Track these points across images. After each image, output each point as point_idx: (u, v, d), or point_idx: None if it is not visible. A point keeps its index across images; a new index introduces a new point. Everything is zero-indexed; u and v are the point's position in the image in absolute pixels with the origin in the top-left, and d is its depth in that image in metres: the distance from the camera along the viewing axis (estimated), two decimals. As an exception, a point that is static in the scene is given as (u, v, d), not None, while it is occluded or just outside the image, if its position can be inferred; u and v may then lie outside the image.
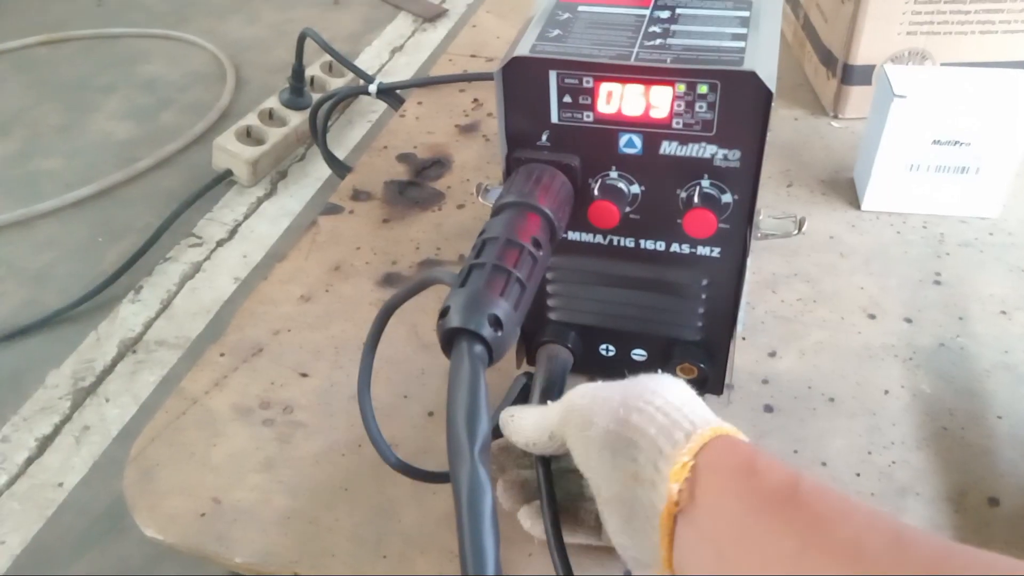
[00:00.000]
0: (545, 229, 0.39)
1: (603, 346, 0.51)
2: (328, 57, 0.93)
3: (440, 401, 0.52)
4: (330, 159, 0.86)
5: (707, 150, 0.40)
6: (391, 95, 0.84)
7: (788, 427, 0.50)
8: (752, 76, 0.37)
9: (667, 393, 0.36)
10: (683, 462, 0.32)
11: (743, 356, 0.54)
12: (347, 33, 1.22)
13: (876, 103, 0.63)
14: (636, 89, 0.39)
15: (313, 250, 0.65)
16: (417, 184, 0.71)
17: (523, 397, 0.50)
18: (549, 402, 0.40)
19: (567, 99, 0.40)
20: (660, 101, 0.39)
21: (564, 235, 0.46)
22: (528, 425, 0.40)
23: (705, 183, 0.41)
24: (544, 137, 0.42)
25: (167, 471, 0.50)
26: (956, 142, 0.60)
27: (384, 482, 0.49)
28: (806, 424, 0.50)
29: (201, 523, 0.47)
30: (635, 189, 0.42)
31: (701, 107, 0.39)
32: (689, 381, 0.46)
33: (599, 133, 0.41)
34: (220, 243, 0.85)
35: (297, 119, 0.92)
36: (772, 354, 0.55)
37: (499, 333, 0.34)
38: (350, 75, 0.94)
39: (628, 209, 0.43)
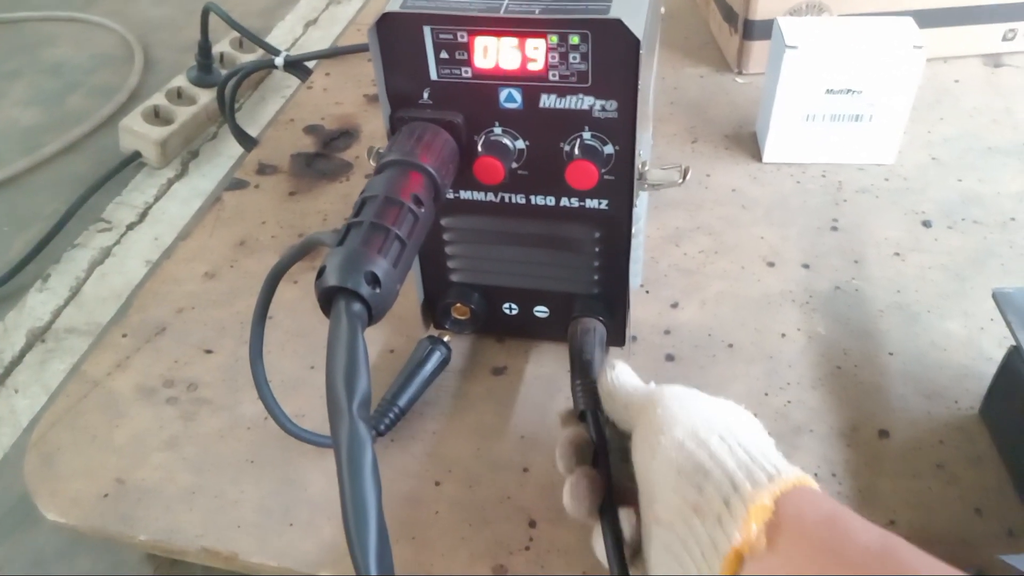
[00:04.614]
0: (427, 187, 0.39)
1: (506, 305, 0.51)
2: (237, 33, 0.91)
3: (347, 369, 0.52)
4: (240, 135, 0.85)
5: (585, 101, 0.40)
6: (299, 67, 0.83)
7: (688, 374, 0.51)
8: (618, 24, 0.37)
9: (754, 431, 0.34)
10: (765, 504, 0.30)
11: (646, 309, 0.55)
12: (260, 8, 1.19)
13: (772, 56, 0.64)
14: (510, 42, 0.39)
15: (217, 227, 0.64)
16: (324, 155, 0.70)
17: (429, 362, 0.50)
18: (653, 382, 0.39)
19: (444, 55, 0.40)
20: (535, 54, 0.39)
21: (456, 194, 0.46)
22: (622, 384, 0.39)
23: (586, 135, 0.41)
24: (426, 95, 0.42)
25: (69, 455, 0.49)
26: (848, 90, 0.62)
27: (291, 453, 0.48)
28: (706, 371, 0.51)
29: (104, 504, 0.47)
30: (520, 144, 0.43)
31: (575, 58, 0.39)
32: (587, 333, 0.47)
33: (479, 89, 0.41)
34: (130, 227, 0.83)
35: (206, 97, 0.90)
36: (674, 305, 0.56)
37: (377, 290, 0.34)
38: (261, 50, 0.92)
39: (515, 165, 0.43)
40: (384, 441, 0.48)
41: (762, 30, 0.73)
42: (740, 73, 0.76)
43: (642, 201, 0.52)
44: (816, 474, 0.46)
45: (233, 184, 0.67)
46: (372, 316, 0.35)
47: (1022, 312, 0.45)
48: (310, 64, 0.84)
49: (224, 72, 0.88)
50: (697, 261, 0.59)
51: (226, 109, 0.83)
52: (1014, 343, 0.44)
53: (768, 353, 0.52)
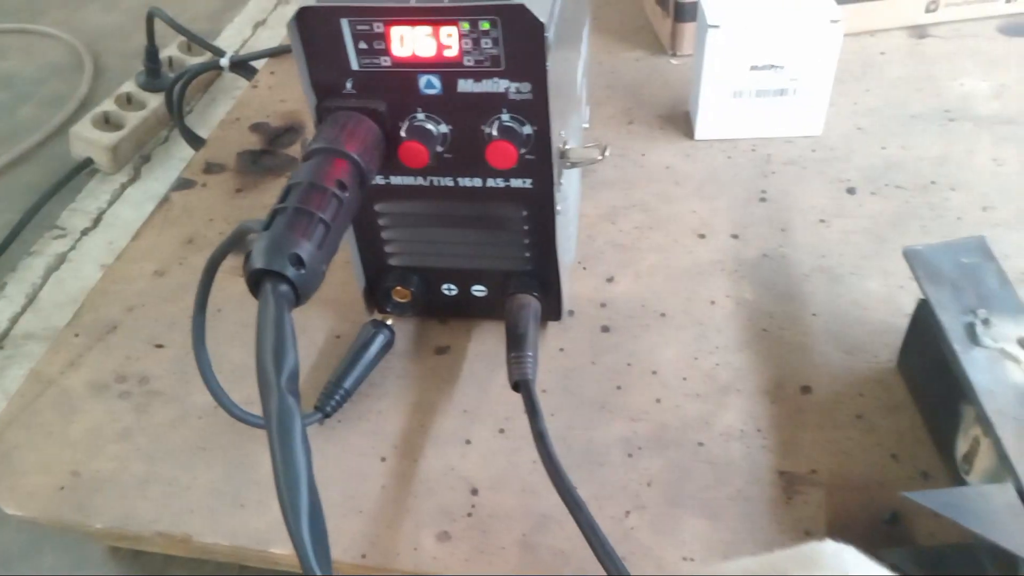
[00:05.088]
0: (352, 172, 0.40)
1: (445, 286, 0.53)
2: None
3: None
4: (189, 137, 0.86)
5: (500, 85, 0.42)
6: (245, 67, 0.84)
7: (623, 343, 0.53)
8: (522, 9, 0.39)
9: None
10: None
11: (583, 284, 0.57)
12: (209, 11, 1.19)
13: (698, 36, 0.66)
14: (425, 30, 0.41)
15: (166, 226, 0.65)
16: (270, 152, 0.71)
17: (373, 344, 0.52)
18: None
19: (363, 46, 0.42)
20: (449, 40, 0.41)
21: (386, 180, 0.47)
22: None
23: (505, 116, 0.43)
24: (349, 85, 0.43)
25: (25, 452, 0.51)
26: (771, 66, 0.64)
27: (240, 438, 0.50)
28: (639, 339, 0.54)
29: (61, 496, 0.48)
30: (443, 128, 0.44)
31: (487, 43, 0.41)
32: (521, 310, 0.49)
33: (399, 76, 0.43)
34: (85, 232, 0.84)
35: (156, 101, 0.91)
36: (610, 280, 0.58)
37: (302, 271, 0.36)
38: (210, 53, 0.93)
39: (440, 149, 0.45)
40: (331, 422, 0.50)
41: (692, 11, 0.75)
42: (674, 55, 0.78)
43: (572, 180, 0.54)
44: (742, 430, 0.48)
45: (180, 184, 0.68)
46: (299, 296, 0.36)
47: (930, 268, 0.48)
48: (256, 64, 0.85)
49: (172, 76, 0.89)
50: (632, 236, 0.61)
51: (174, 112, 0.84)
52: (923, 297, 0.47)
53: (698, 319, 0.55)
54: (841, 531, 0.43)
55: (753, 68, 0.64)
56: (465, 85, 0.42)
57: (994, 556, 0.41)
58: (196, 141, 0.84)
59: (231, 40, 1.11)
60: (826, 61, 0.64)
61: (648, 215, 0.62)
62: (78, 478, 0.49)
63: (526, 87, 0.42)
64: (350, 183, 0.40)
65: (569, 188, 0.52)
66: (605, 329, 0.55)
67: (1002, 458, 0.39)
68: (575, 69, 0.56)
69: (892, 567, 0.42)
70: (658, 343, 0.53)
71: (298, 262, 0.36)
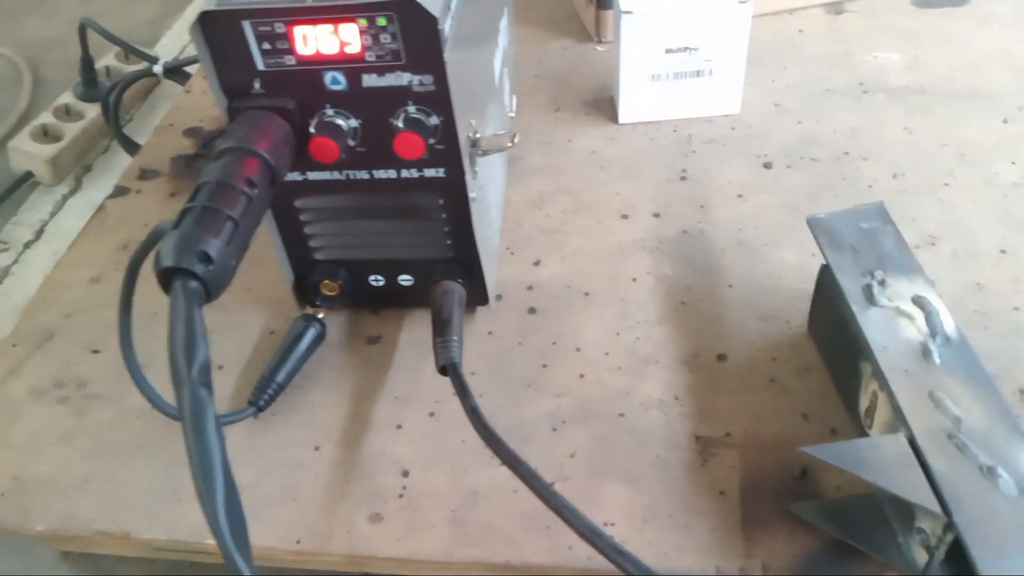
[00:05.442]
0: (261, 170, 0.42)
1: (372, 277, 0.54)
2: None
3: (230, 354, 0.55)
4: (128, 145, 0.86)
5: (403, 78, 0.44)
6: (179, 73, 0.84)
7: (548, 323, 0.55)
8: (413, 4, 0.40)
9: None
10: None
11: (511, 268, 0.59)
12: (149, 19, 1.19)
13: (616, 22, 0.68)
14: (326, 28, 0.42)
15: (101, 233, 0.66)
16: (204, 155, 0.72)
17: (304, 338, 0.53)
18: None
19: (266, 46, 0.43)
20: (350, 37, 0.42)
21: (303, 176, 0.49)
22: None
23: (411, 109, 0.45)
24: (257, 85, 0.45)
25: (-35, 462, 0.51)
26: (685, 48, 0.66)
27: (177, 435, 0.50)
28: (564, 319, 0.55)
29: (2, 501, 0.49)
30: (352, 123, 0.46)
31: (386, 39, 0.42)
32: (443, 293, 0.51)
33: (305, 74, 0.44)
34: (28, 245, 0.84)
35: (94, 111, 0.91)
36: (537, 263, 0.59)
37: (211, 268, 0.37)
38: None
39: (352, 143, 0.46)
40: (266, 415, 0.51)
41: (614, -1, 0.77)
42: (599, 42, 0.80)
43: (490, 168, 0.56)
44: (661, 399, 0.50)
45: (115, 192, 0.69)
46: (209, 292, 0.38)
47: (831, 234, 0.50)
48: (191, 68, 0.85)
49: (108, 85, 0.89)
50: (558, 221, 0.63)
51: (111, 121, 0.85)
52: (825, 262, 0.49)
53: (620, 297, 0.56)
54: (753, 489, 0.46)
55: (668, 51, 0.66)
56: (369, 80, 0.44)
57: (894, 503, 0.43)
58: (134, 149, 0.84)
59: (170, 46, 1.11)
60: (737, 41, 0.66)
61: (574, 199, 0.64)
62: (18, 483, 0.50)
63: (428, 79, 0.44)
64: (260, 180, 0.41)
65: (487, 176, 0.54)
66: (532, 311, 0.56)
67: (895, 410, 0.42)
68: (490, 60, 0.58)
69: (802, 519, 0.44)
70: (582, 321, 0.55)
71: (206, 259, 0.37)
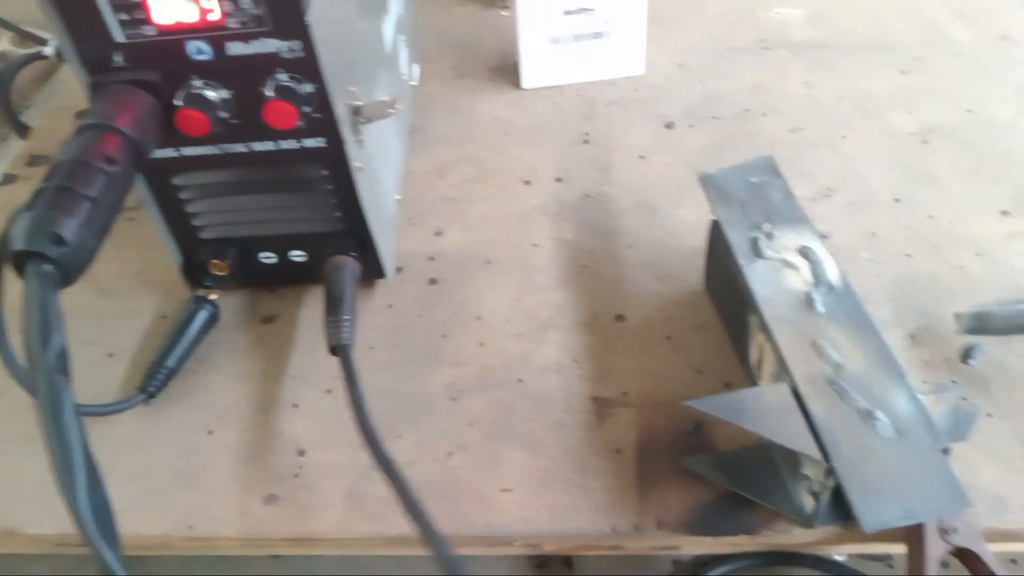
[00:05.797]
0: (123, 146, 0.40)
1: (263, 254, 0.53)
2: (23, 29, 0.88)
3: (121, 341, 0.53)
4: (23, 132, 0.83)
5: (270, 44, 0.42)
6: (72, 55, 0.81)
7: (449, 293, 0.55)
8: (269, -35, 0.39)
9: None
10: None
11: (412, 240, 0.58)
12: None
13: (514, -14, 0.67)
14: (182, -5, 0.41)
15: (-14, 223, 0.63)
16: (96, 139, 0.69)
17: (195, 321, 0.52)
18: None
19: (123, 16, 0.41)
20: (210, 3, 0.41)
21: (178, 151, 0.47)
22: None
23: (282, 76, 0.43)
24: (118, 58, 0.43)
25: None
26: (583, 9, 0.65)
27: (66, 426, 0.49)
28: (465, 288, 0.55)
29: None
30: (223, 94, 0.44)
31: (247, 4, 0.41)
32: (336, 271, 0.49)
33: (167, 45, 0.42)
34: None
35: (-13, 98, 0.87)
36: (438, 233, 0.59)
37: (64, 249, 0.35)
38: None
39: (226, 115, 0.45)
40: (158, 401, 0.50)
41: (516, -37, 0.75)
42: (504, 7, 0.79)
43: (380, 135, 0.55)
44: (560, 363, 0.50)
45: (3, 180, 0.66)
46: (67, 275, 0.36)
47: (721, 190, 0.50)
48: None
49: None
50: (461, 189, 0.62)
51: (1, 106, 0.81)
52: (715, 218, 0.49)
53: (522, 263, 0.56)
54: (649, 446, 0.46)
55: (567, 12, 0.65)
56: (235, 48, 0.42)
57: (782, 452, 0.44)
58: (28, 134, 0.81)
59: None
60: (636, 1, 0.65)
61: (477, 167, 0.63)
62: (-102, 487, 0.48)
63: (296, 45, 0.42)
64: (121, 157, 0.39)
65: (376, 145, 0.53)
66: (433, 282, 0.55)
67: (779, 360, 0.42)
68: (377, 25, 0.57)
69: (695, 473, 0.44)
70: (483, 290, 0.55)
71: (60, 241, 0.35)
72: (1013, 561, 0.57)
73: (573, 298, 0.53)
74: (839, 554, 0.56)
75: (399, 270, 0.56)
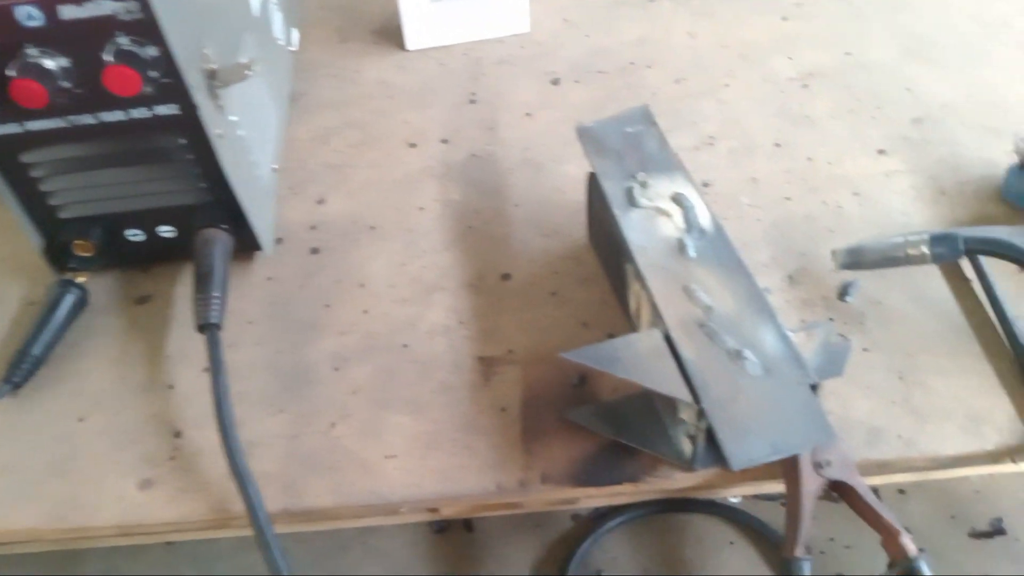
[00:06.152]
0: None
1: (129, 232, 0.50)
2: None
3: (-15, 331, 0.51)
4: None
5: (105, 6, 0.40)
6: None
7: (332, 262, 0.53)
8: (88, -82, 0.37)
9: None
10: None
11: (293, 209, 0.56)
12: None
13: (390, -56, 0.65)
14: (2, -44, 0.38)
15: None
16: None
17: (61, 305, 0.49)
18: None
19: (-60, -19, 0.38)
20: (34, -36, 0.38)
21: (22, 127, 0.44)
22: None
23: (123, 40, 0.41)
24: (-62, 27, 0.40)
25: None
26: (462, -33, 0.64)
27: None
28: (349, 255, 0.53)
29: None
30: (62, 62, 0.41)
31: (74, -38, 0.38)
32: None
33: (-8, 11, 0.39)
34: None
35: None
36: (321, 201, 0.57)
37: None
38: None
39: (68, 84, 0.42)
40: (26, 391, 0.48)
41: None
42: (388, -32, 0.77)
43: (252, 102, 0.53)
44: (446, 325, 0.49)
45: None
46: None
47: (597, 141, 0.49)
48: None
49: None
50: (345, 156, 0.60)
51: None
52: (591, 170, 0.48)
53: (407, 227, 0.55)
54: (534, 402, 0.45)
55: (446, -30, 0.64)
56: (68, 11, 0.40)
57: (663, 399, 0.44)
58: None
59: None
60: (516, -45, 0.64)
61: (362, 132, 0.62)
62: None
63: (134, 6, 0.40)
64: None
65: (243, 110, 0.51)
66: (315, 251, 0.54)
67: (653, 306, 0.42)
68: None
69: (579, 425, 0.44)
70: (367, 256, 0.53)
71: None
72: (901, 491, 0.59)
73: (459, 259, 0.52)
74: (732, 496, 0.57)
75: (279, 241, 0.54)
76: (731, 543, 0.55)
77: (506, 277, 0.51)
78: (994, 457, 0.43)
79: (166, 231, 0.50)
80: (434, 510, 0.49)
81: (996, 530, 0.56)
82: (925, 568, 0.38)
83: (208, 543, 0.55)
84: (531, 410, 0.45)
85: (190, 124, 0.45)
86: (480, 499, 0.43)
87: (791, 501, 0.41)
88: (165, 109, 0.44)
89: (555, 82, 0.64)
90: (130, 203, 0.49)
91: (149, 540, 0.50)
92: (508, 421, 0.45)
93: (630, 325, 0.47)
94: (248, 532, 0.41)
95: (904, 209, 0.54)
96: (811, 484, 0.41)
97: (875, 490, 0.57)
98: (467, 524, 0.55)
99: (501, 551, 0.54)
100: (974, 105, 0.60)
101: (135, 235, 0.50)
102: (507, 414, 0.45)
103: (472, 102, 0.63)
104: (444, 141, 0.60)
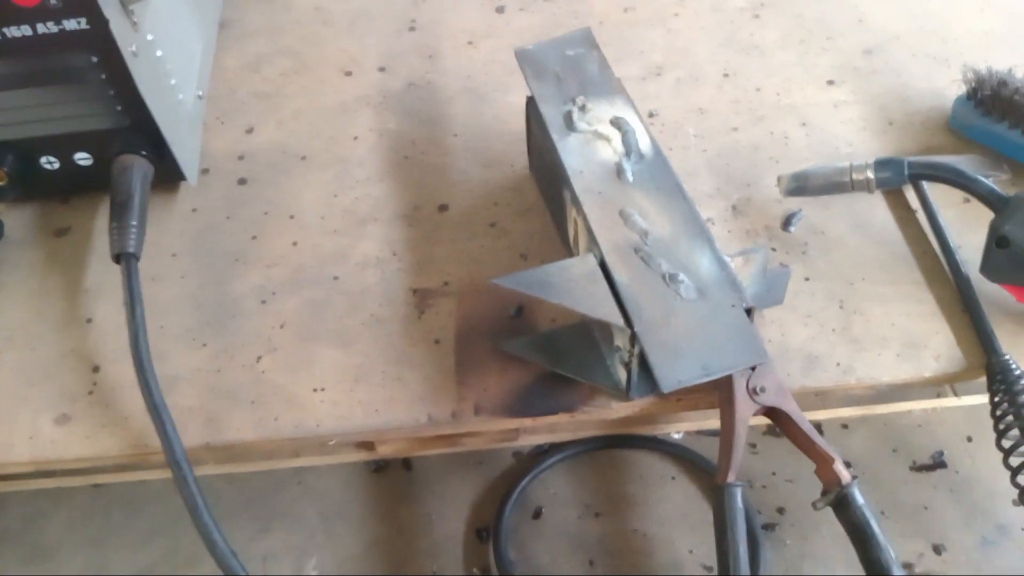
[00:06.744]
0: None
1: (44, 159, 0.48)
2: None
3: None
4: None
5: (-5, -96, 0.37)
6: None
7: (261, 193, 0.51)
8: None
9: None
10: None
11: (220, 139, 0.54)
12: None
13: None
14: None
15: None
16: None
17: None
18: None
19: None
20: None
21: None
22: None
23: (19, -56, 0.38)
24: None
25: None
26: None
27: None
28: (279, 186, 0.51)
29: None
30: (-49, -32, 0.39)
31: None
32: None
33: None
34: None
35: None
36: (250, 131, 0.54)
37: None
38: None
39: (-42, -4, 0.39)
40: (-66, 327, 0.45)
41: None
42: None
43: (172, 23, 0.50)
44: (379, 257, 0.47)
45: None
46: None
47: (536, 65, 0.48)
48: None
49: None
50: (276, 84, 0.57)
51: None
52: (530, 94, 0.47)
53: (341, 157, 0.53)
54: (469, 333, 0.44)
55: None
56: (-46, -90, 0.37)
57: (600, 327, 0.43)
58: None
59: None
60: None
61: (295, 59, 0.59)
62: None
63: (29, -95, 0.37)
64: None
65: (161, 31, 0.48)
66: (242, 182, 0.52)
67: (588, 231, 0.41)
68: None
69: (514, 355, 0.43)
70: (298, 187, 0.51)
71: None
72: (844, 426, 0.59)
73: (394, 190, 0.51)
74: (675, 432, 0.56)
75: (205, 171, 0.52)
76: (672, 478, 0.55)
77: (443, 208, 0.50)
78: (932, 383, 0.42)
79: (83, 158, 0.48)
80: (369, 447, 0.48)
81: (937, 463, 0.57)
82: (858, 495, 0.38)
83: (138, 486, 0.53)
84: (466, 342, 0.44)
85: (100, 40, 0.42)
86: (411, 431, 0.42)
87: (725, 427, 0.40)
88: (73, 23, 0.41)
89: (499, 10, 0.62)
90: (43, 127, 0.46)
91: (73, 482, 0.48)
92: (441, 353, 0.43)
93: (569, 255, 0.46)
94: (161, 476, 0.40)
95: (851, 139, 0.53)
96: (745, 410, 0.40)
97: (818, 426, 0.57)
98: (406, 463, 0.54)
99: (440, 489, 0.54)
100: (924, 36, 0.59)
101: (50, 163, 0.48)
102: (441, 346, 0.44)
103: (412, 29, 0.61)
104: (381, 69, 0.58)
